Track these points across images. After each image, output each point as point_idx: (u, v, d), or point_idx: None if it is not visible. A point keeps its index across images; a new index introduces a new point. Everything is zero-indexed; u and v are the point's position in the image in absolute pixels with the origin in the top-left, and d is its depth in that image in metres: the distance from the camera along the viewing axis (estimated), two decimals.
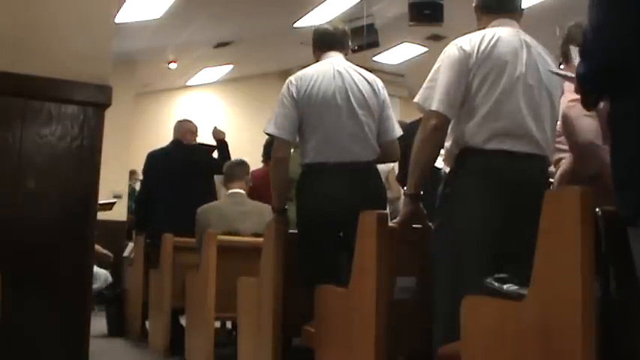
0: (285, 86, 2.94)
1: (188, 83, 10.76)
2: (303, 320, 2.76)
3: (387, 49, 9.01)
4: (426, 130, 2.29)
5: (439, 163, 2.56)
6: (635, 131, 1.26)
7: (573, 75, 1.59)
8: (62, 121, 2.17)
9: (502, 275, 1.69)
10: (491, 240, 2.14)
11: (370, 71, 3.10)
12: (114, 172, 7.25)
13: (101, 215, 3.54)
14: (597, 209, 1.42)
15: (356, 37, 6.85)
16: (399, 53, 9.43)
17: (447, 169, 2.37)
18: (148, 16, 7.12)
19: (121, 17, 6.69)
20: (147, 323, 4.94)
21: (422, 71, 2.81)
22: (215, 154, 5.23)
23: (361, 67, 3.07)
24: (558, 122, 2.43)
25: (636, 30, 1.24)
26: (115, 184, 7.82)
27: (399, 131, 3.04)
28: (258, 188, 4.56)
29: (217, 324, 4.53)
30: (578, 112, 2.33)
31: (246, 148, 6.60)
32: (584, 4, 1.34)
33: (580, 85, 1.42)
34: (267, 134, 2.99)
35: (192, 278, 4.06)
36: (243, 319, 3.34)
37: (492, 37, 2.30)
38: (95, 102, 2.23)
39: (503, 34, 2.33)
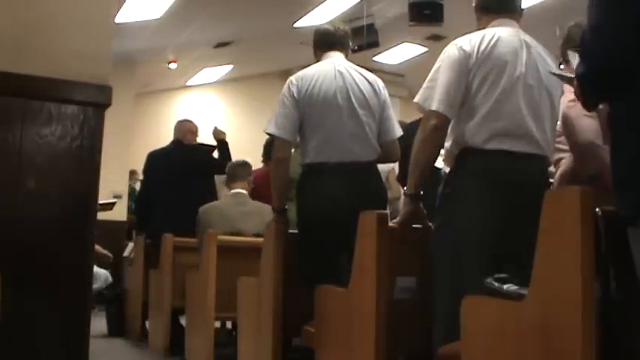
0: (285, 86, 2.94)
1: (188, 83, 10.77)
2: (303, 320, 2.76)
3: (387, 49, 9.01)
4: (426, 130, 2.29)
5: (439, 163, 2.56)
6: (635, 131, 1.26)
7: (572, 75, 1.59)
8: (62, 121, 2.17)
9: (502, 275, 1.69)
10: (491, 240, 2.14)
11: (370, 71, 3.10)
12: (114, 172, 7.26)
13: (101, 215, 3.54)
14: (597, 209, 1.42)
15: (356, 37, 6.84)
16: (399, 53, 9.43)
17: (447, 169, 2.37)
18: (148, 16, 7.12)
19: (121, 17, 6.69)
20: (147, 323, 4.94)
21: (422, 71, 2.81)
22: (215, 154, 5.23)
23: (361, 67, 3.07)
24: (558, 122, 2.43)
25: (636, 30, 1.24)
26: (115, 184, 7.82)
27: (399, 131, 3.04)
28: (259, 188, 4.56)
29: (217, 324, 4.53)
30: (578, 112, 2.33)
31: (246, 148, 6.60)
32: (584, 4, 1.34)
33: (580, 85, 1.42)
34: (268, 134, 2.99)
35: (192, 278, 4.06)
36: (243, 319, 3.34)
37: (492, 37, 2.30)
38: (95, 102, 2.23)
39: (503, 34, 2.33)
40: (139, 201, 5.57)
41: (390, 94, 3.12)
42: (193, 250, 4.12)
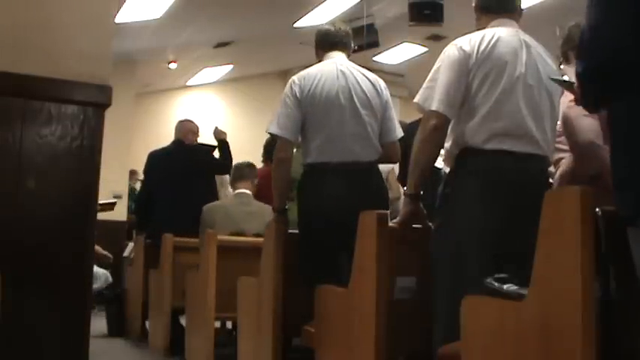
0: (288, 86, 2.94)
1: (188, 83, 10.77)
2: (303, 320, 2.76)
3: (387, 49, 9.01)
4: (426, 130, 2.29)
5: (439, 163, 2.56)
6: (634, 131, 1.26)
7: (571, 81, 1.59)
8: (62, 121, 2.17)
9: (502, 275, 1.69)
10: (491, 240, 2.14)
11: (370, 71, 3.10)
12: (114, 172, 7.26)
13: (101, 215, 3.53)
14: (597, 209, 1.42)
15: (356, 37, 6.81)
16: (399, 53, 9.43)
17: (447, 169, 2.37)
18: (148, 16, 7.12)
19: (121, 17, 6.69)
20: (147, 323, 4.94)
21: (422, 71, 2.81)
22: (216, 154, 5.23)
23: (362, 67, 3.07)
24: (558, 122, 2.43)
25: (634, 30, 1.24)
26: (115, 184, 7.83)
27: (400, 132, 3.04)
28: (260, 188, 4.56)
29: (217, 324, 4.53)
30: (578, 112, 2.33)
31: (246, 148, 6.61)
32: (584, 4, 1.34)
33: (579, 84, 1.42)
34: (270, 134, 2.98)
35: (192, 278, 4.06)
36: (243, 319, 3.34)
37: (492, 38, 2.30)
38: (95, 102, 2.23)
39: (502, 34, 2.33)
40: (139, 201, 5.58)
41: (390, 94, 3.12)
42: (193, 250, 4.12)
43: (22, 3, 2.20)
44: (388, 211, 2.39)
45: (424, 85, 2.37)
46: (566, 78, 1.80)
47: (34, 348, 2.09)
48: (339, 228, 2.63)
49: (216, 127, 5.30)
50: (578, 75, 1.39)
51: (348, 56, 3.08)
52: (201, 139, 5.24)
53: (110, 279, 6.16)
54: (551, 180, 2.49)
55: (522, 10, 2.49)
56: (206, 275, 3.76)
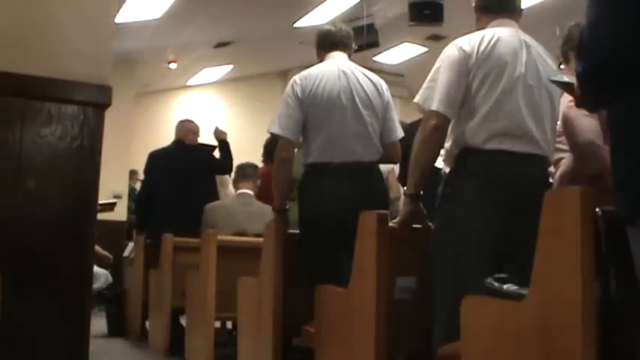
0: (289, 86, 2.94)
1: (188, 83, 10.77)
2: (303, 320, 2.75)
3: (387, 49, 9.01)
4: (426, 130, 2.29)
5: (439, 163, 2.56)
6: (634, 131, 1.26)
7: (571, 82, 1.59)
8: (62, 121, 2.17)
9: (502, 275, 1.69)
10: (491, 240, 2.14)
11: (371, 71, 3.10)
12: (114, 172, 7.26)
13: (101, 215, 3.53)
14: (597, 209, 1.42)
15: (356, 37, 6.80)
16: (399, 53, 9.43)
17: (447, 169, 2.37)
18: (148, 16, 7.12)
19: (121, 17, 6.69)
20: (147, 323, 4.94)
21: (422, 71, 2.81)
22: (216, 154, 5.23)
23: (362, 67, 3.07)
24: (558, 122, 2.43)
25: (634, 30, 1.24)
26: (115, 184, 7.83)
27: (401, 133, 3.04)
28: (260, 188, 4.57)
29: (217, 324, 4.53)
30: (578, 112, 2.33)
31: (246, 148, 6.60)
32: (584, 4, 1.34)
33: (579, 84, 1.42)
34: (272, 134, 2.98)
35: (192, 278, 4.06)
36: (243, 319, 3.34)
37: (492, 38, 2.30)
38: (95, 102, 2.23)
39: (502, 34, 2.33)
40: (139, 201, 5.58)
41: (390, 95, 3.12)
42: (193, 250, 4.12)
43: (23, 3, 2.20)
44: (388, 211, 2.39)
45: (424, 86, 2.37)
46: (565, 79, 1.80)
47: (34, 348, 2.09)
48: (340, 228, 2.63)
49: (217, 128, 5.30)
50: (577, 75, 1.39)
51: (350, 56, 3.08)
52: (201, 139, 5.24)
53: (110, 279, 6.16)
54: (551, 180, 2.49)
55: (522, 10, 2.49)
56: (206, 275, 3.76)
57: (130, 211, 8.00)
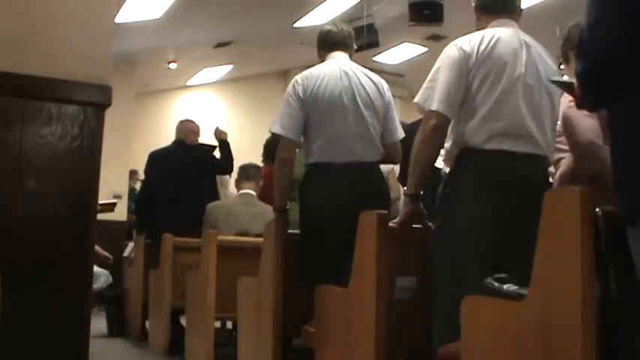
0: (290, 86, 2.93)
1: (188, 83, 10.77)
2: (303, 320, 2.75)
3: (387, 49, 9.01)
4: (426, 130, 2.29)
5: (439, 163, 2.56)
6: (633, 131, 1.26)
7: (570, 81, 1.59)
8: (62, 121, 2.17)
9: (502, 275, 1.69)
10: (491, 240, 2.14)
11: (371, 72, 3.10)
12: (114, 172, 7.26)
13: (101, 215, 3.53)
14: (597, 209, 1.42)
15: (356, 37, 6.81)
16: (399, 53, 9.43)
17: (447, 169, 2.37)
18: (148, 16, 7.12)
19: (121, 17, 6.69)
20: (147, 323, 4.94)
21: (422, 71, 2.81)
22: (216, 154, 5.24)
23: (363, 67, 3.07)
24: (558, 122, 2.43)
25: (634, 30, 1.24)
26: (115, 184, 7.83)
27: (401, 133, 3.04)
28: (262, 189, 4.57)
29: (217, 324, 4.53)
30: (578, 112, 2.33)
31: (246, 148, 6.60)
32: (584, 4, 1.34)
33: (578, 84, 1.42)
34: (273, 134, 2.97)
35: (192, 278, 4.06)
36: (243, 319, 3.34)
37: (492, 38, 2.30)
38: (95, 102, 2.23)
39: (502, 34, 2.33)
40: (139, 201, 5.58)
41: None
42: (193, 250, 4.12)
43: (23, 3, 2.20)
44: (388, 211, 2.39)
45: (424, 86, 2.37)
46: (565, 79, 1.80)
47: (34, 348, 2.09)
48: (341, 228, 2.63)
49: (217, 128, 5.30)
50: (577, 75, 1.39)
51: (351, 56, 3.08)
52: (201, 139, 5.25)
53: (110, 279, 6.16)
54: (551, 180, 2.49)
55: (522, 10, 2.49)
56: (206, 275, 3.76)
57: (130, 211, 8.00)
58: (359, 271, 2.33)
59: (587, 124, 2.31)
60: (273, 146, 4.45)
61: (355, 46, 3.18)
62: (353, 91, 2.89)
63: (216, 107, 11.10)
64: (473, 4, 2.50)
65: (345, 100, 2.87)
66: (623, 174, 1.29)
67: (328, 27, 3.14)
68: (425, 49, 9.03)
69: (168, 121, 8.94)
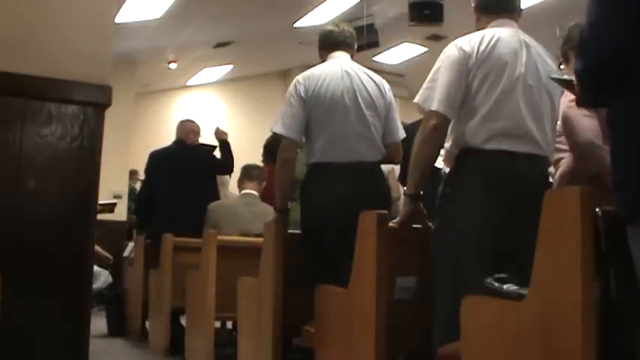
0: (292, 85, 2.93)
1: (188, 83, 10.77)
2: (303, 320, 2.75)
3: (387, 49, 9.01)
4: (426, 130, 2.29)
5: (439, 163, 2.56)
6: (633, 131, 1.26)
7: (570, 78, 1.59)
8: (62, 121, 2.17)
9: (502, 275, 1.69)
10: (491, 240, 2.14)
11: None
12: (114, 172, 7.26)
13: (101, 215, 3.53)
14: (597, 209, 1.42)
15: (356, 37, 6.85)
16: (399, 53, 9.43)
17: (447, 169, 2.37)
18: (148, 16, 7.12)
19: (121, 17, 6.69)
20: (147, 323, 4.94)
21: (422, 71, 2.81)
22: (217, 154, 5.24)
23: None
24: (558, 122, 2.43)
25: (634, 30, 1.24)
26: (115, 184, 7.83)
27: (402, 133, 3.04)
28: (265, 189, 4.57)
29: (217, 324, 4.53)
30: (578, 112, 2.33)
31: (246, 148, 6.61)
32: (584, 4, 1.34)
33: (578, 82, 1.42)
34: (275, 134, 2.97)
35: (192, 278, 4.06)
36: (243, 319, 3.34)
37: (492, 38, 2.30)
38: (95, 102, 2.23)
39: (502, 34, 2.33)
40: (139, 200, 5.58)
41: None
42: (193, 250, 4.12)
43: (23, 3, 2.20)
44: (388, 211, 2.39)
45: (424, 86, 2.37)
46: (565, 77, 1.80)
47: (34, 348, 2.09)
48: (342, 228, 2.62)
49: (218, 128, 5.30)
50: (577, 73, 1.39)
51: (352, 57, 3.08)
52: (201, 139, 5.25)
53: (110, 279, 6.17)
54: (551, 180, 2.49)
55: (522, 10, 2.49)
56: (206, 275, 3.76)
57: (130, 211, 8.00)
58: (359, 271, 2.33)
59: (587, 124, 2.31)
60: (273, 146, 4.46)
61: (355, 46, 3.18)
62: (355, 91, 2.89)
63: (216, 107, 11.11)
64: (473, 5, 2.50)
65: (346, 100, 2.87)
66: (622, 173, 1.29)
67: (330, 27, 3.14)
68: (425, 49, 9.03)
69: (168, 121, 8.94)
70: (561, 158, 2.49)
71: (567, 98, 2.37)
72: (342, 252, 2.58)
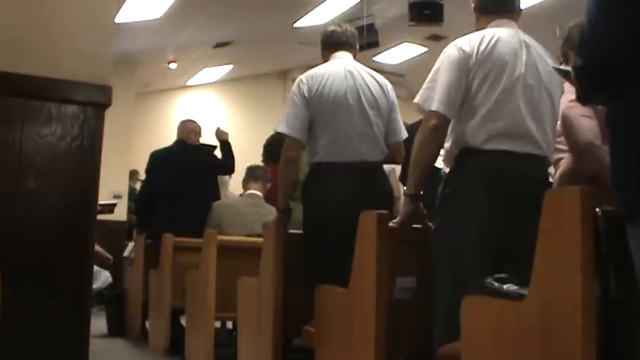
0: (295, 85, 2.93)
1: (188, 83, 10.78)
2: (303, 320, 2.75)
3: (387, 49, 9.01)
4: (426, 130, 2.29)
5: (439, 163, 2.56)
6: (632, 130, 1.26)
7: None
8: (62, 121, 2.17)
9: (502, 275, 1.69)
10: (491, 240, 2.14)
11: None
12: (114, 172, 7.26)
13: (101, 215, 3.53)
14: (597, 209, 1.42)
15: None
16: (399, 53, 9.44)
17: (447, 169, 2.37)
18: (148, 16, 7.12)
19: (121, 17, 6.69)
20: (147, 323, 4.94)
21: (422, 71, 2.81)
22: (217, 154, 5.24)
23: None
24: (558, 122, 2.43)
25: (635, 29, 1.24)
26: (115, 184, 7.82)
27: (405, 133, 3.04)
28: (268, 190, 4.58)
29: (217, 324, 4.53)
30: (577, 112, 2.33)
31: (246, 147, 6.60)
32: (584, 4, 1.34)
33: (577, 79, 1.42)
34: (279, 133, 2.97)
35: (192, 278, 4.06)
36: (243, 319, 3.34)
37: (492, 38, 2.30)
38: (95, 102, 2.23)
39: (502, 34, 2.33)
40: (139, 200, 5.58)
41: None
42: (193, 250, 4.12)
43: (23, 3, 2.20)
44: (388, 211, 2.39)
45: (424, 86, 2.37)
46: (568, 68, 1.80)
47: (34, 348, 2.09)
48: (345, 228, 2.62)
49: (219, 128, 5.30)
50: (575, 69, 1.39)
51: (355, 57, 3.09)
52: (201, 139, 5.25)
53: (110, 279, 6.17)
54: (551, 180, 2.49)
55: (522, 10, 2.49)
56: (206, 275, 3.76)
57: (130, 211, 8.00)
58: (359, 271, 2.33)
59: (587, 124, 2.31)
60: (273, 146, 4.47)
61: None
62: (358, 91, 2.89)
63: (216, 107, 11.11)
64: (472, 5, 2.50)
65: (350, 100, 2.87)
66: (622, 172, 1.29)
67: (332, 27, 3.14)
68: (425, 49, 9.04)
69: (168, 121, 8.94)
70: (561, 158, 2.49)
71: (567, 98, 2.37)
72: (344, 252, 2.58)
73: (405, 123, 3.21)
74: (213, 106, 11.06)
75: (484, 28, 2.40)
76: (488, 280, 1.70)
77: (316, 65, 3.04)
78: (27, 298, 2.06)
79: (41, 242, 2.11)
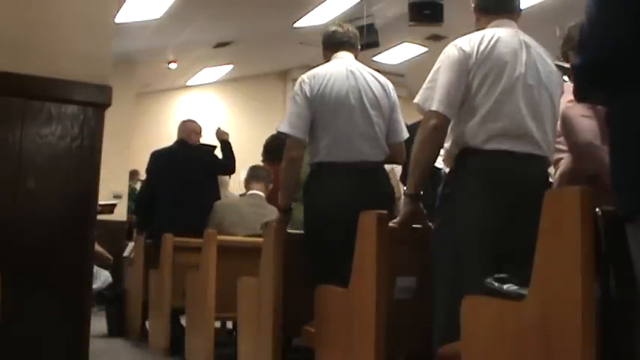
0: (297, 85, 2.93)
1: (188, 83, 10.78)
2: (303, 320, 2.75)
3: (387, 49, 9.01)
4: (426, 130, 2.29)
5: (439, 163, 2.56)
6: (631, 130, 1.26)
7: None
8: (62, 121, 2.17)
9: (502, 275, 1.69)
10: (491, 240, 2.14)
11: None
12: (114, 172, 7.26)
13: (101, 215, 3.53)
14: (597, 209, 1.42)
15: None
16: (399, 53, 9.43)
17: (447, 169, 2.37)
18: (148, 16, 7.12)
19: (121, 17, 6.69)
20: (147, 323, 4.94)
21: (422, 71, 2.81)
22: (217, 155, 5.24)
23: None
24: (558, 122, 2.43)
25: (634, 29, 1.24)
26: (115, 184, 7.83)
27: (406, 134, 3.04)
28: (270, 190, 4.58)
29: (217, 324, 4.53)
30: (577, 112, 2.33)
31: (246, 147, 6.61)
32: (584, 4, 1.34)
33: (575, 78, 1.42)
34: (281, 133, 2.97)
35: (192, 278, 4.06)
36: (243, 319, 3.34)
37: (492, 38, 2.30)
38: (95, 102, 2.24)
39: (502, 34, 2.33)
40: (139, 200, 5.58)
41: None
42: (193, 250, 4.12)
43: (23, 3, 2.20)
44: (387, 212, 2.38)
45: (424, 86, 2.37)
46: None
47: (34, 348, 2.10)
48: (346, 228, 2.62)
49: (219, 128, 5.30)
50: (574, 68, 1.39)
51: (356, 57, 3.09)
52: (202, 140, 5.25)
53: (110, 279, 6.17)
54: (551, 180, 2.49)
55: (522, 10, 2.49)
56: (206, 275, 3.76)
57: (130, 211, 8.00)
58: (359, 271, 2.33)
59: (586, 124, 2.31)
60: (273, 146, 4.47)
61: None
62: (359, 91, 2.90)
63: (216, 107, 11.11)
64: (472, 5, 2.50)
65: (351, 100, 2.87)
66: (621, 171, 1.29)
67: (333, 27, 3.14)
68: (425, 49, 9.04)
69: (168, 121, 8.95)
70: (561, 158, 2.49)
71: (567, 98, 2.37)
72: (345, 252, 2.58)
73: (405, 123, 3.21)
74: (213, 106, 11.06)
75: (484, 28, 2.40)
76: (489, 280, 1.70)
77: (316, 65, 3.05)
78: (27, 298, 2.06)
79: (41, 242, 2.12)
